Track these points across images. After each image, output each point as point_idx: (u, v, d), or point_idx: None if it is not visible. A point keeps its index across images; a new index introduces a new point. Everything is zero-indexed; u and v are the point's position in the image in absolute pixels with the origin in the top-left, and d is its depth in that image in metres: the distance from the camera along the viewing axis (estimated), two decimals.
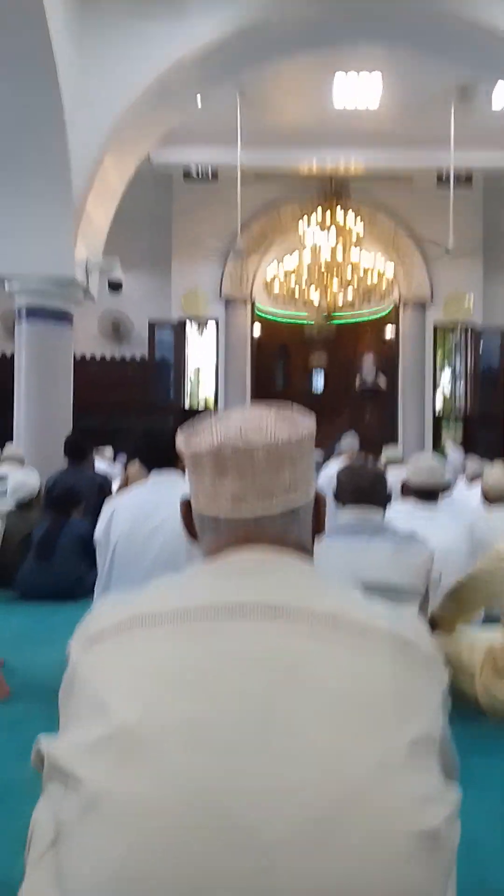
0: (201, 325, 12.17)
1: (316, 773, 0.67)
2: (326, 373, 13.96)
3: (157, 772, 0.67)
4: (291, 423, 0.89)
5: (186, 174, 11.72)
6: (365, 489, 2.35)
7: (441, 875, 0.70)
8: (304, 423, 0.90)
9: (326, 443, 7.75)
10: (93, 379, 11.31)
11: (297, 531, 0.89)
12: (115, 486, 5.58)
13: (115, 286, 6.99)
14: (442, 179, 10.72)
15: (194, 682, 0.72)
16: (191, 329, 12.22)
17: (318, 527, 0.94)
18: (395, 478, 4.77)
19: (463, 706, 2.41)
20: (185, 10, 6.25)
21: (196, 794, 0.66)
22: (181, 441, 0.92)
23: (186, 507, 0.95)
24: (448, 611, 2.62)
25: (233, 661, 0.73)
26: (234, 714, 0.70)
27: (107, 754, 0.69)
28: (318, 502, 0.94)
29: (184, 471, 2.57)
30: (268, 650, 0.74)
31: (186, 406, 12.03)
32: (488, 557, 2.56)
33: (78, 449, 5.35)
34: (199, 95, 7.40)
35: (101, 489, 5.16)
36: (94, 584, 2.85)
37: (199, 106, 7.96)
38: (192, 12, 6.25)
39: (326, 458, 7.31)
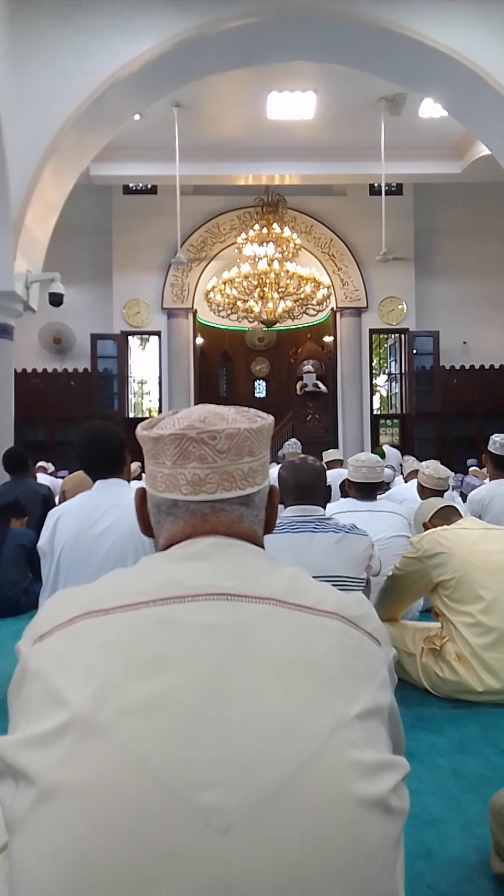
0: (143, 338, 12.18)
1: (269, 742, 0.68)
2: (268, 378, 14.15)
3: (113, 755, 0.66)
4: (250, 416, 0.93)
5: (125, 187, 11.74)
6: (306, 484, 2.40)
7: (392, 842, 0.71)
8: (262, 416, 0.95)
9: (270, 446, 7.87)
10: (35, 391, 11.18)
11: (251, 521, 0.90)
12: (56, 501, 5.53)
13: (56, 300, 6.95)
14: (375, 189, 11.05)
15: (147, 661, 0.72)
16: (133, 341, 12.21)
17: (269, 519, 0.95)
18: (335, 479, 4.92)
19: (408, 686, 2.55)
20: (120, 25, 6.31)
21: (151, 774, 0.66)
22: (141, 428, 0.93)
23: (142, 495, 0.95)
24: (384, 606, 2.75)
25: (183, 633, 0.74)
26: (188, 687, 0.70)
27: (61, 743, 0.67)
28: (273, 494, 0.96)
29: (128, 479, 2.57)
30: (218, 619, 0.75)
31: (131, 416, 12.02)
32: (402, 558, 2.66)
33: (18, 461, 5.25)
34: (137, 112, 7.43)
35: (45, 501, 5.08)
36: (39, 596, 2.80)
37: (137, 118, 8.00)
38: (127, 28, 6.31)
39: (271, 461, 7.39)
